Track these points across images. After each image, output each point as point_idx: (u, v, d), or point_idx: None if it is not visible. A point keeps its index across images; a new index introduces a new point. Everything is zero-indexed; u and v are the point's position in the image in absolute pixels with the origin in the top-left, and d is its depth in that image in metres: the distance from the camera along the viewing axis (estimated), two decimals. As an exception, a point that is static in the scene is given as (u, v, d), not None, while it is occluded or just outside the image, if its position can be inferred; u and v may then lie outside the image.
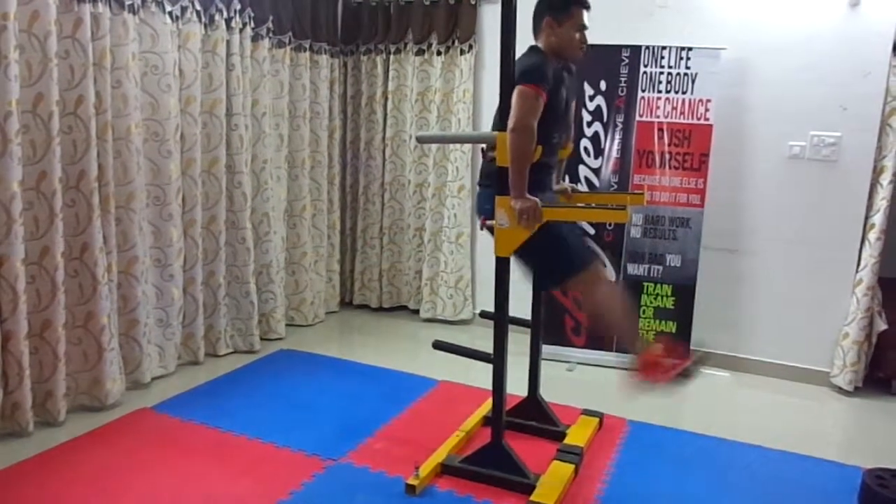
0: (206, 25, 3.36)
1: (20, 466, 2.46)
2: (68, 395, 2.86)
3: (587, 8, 2.41)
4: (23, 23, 2.54)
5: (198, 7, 3.28)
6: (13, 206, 2.52)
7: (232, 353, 3.73)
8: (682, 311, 3.65)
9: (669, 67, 3.54)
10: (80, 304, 2.87)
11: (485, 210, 2.45)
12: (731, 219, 3.69)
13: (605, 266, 3.54)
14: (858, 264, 3.44)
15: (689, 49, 3.50)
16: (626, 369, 2.53)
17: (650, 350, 2.45)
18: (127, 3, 2.91)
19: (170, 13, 3.14)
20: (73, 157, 2.78)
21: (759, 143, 3.60)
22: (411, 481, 2.36)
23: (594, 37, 2.51)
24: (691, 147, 3.56)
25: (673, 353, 2.46)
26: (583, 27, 2.40)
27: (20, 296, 2.57)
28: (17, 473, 2.41)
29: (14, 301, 2.56)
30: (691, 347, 3.60)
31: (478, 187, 2.66)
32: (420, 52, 4.25)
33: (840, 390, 3.49)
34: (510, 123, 2.21)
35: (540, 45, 2.43)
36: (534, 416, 2.85)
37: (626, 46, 3.58)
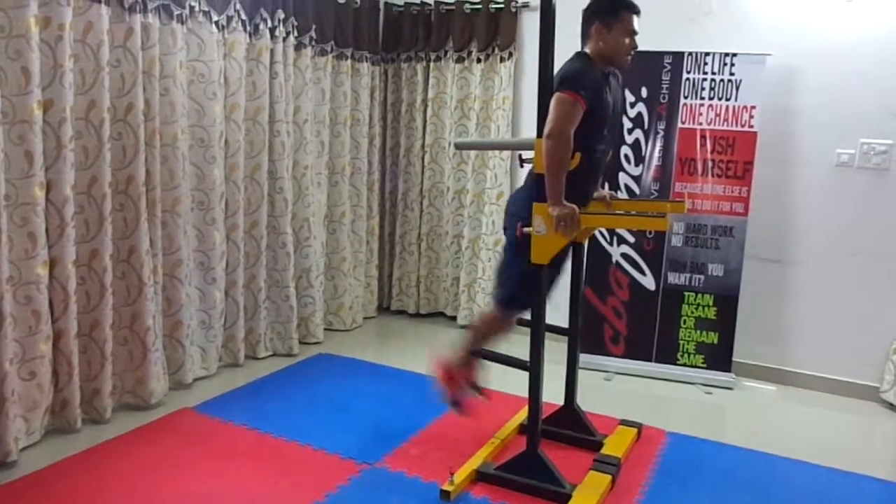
0: (250, 34, 3.44)
1: (69, 461, 2.54)
2: (114, 394, 2.94)
3: (637, 13, 2.37)
4: (77, 33, 2.64)
5: (243, 17, 3.35)
6: (66, 210, 2.61)
7: (271, 355, 3.79)
8: (725, 322, 3.58)
9: (713, 74, 3.49)
10: (127, 306, 2.95)
11: (521, 217, 2.42)
12: (776, 228, 3.61)
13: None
14: (910, 276, 3.33)
15: (734, 55, 3.45)
16: (442, 359, 2.69)
17: (459, 371, 2.64)
18: (175, 13, 3.00)
19: (216, 23, 3.22)
20: (122, 163, 2.87)
21: (805, 151, 3.52)
22: (446, 487, 2.36)
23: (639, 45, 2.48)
24: (735, 155, 3.50)
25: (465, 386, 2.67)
26: (633, 32, 2.37)
27: (71, 296, 2.66)
28: (67, 468, 2.49)
29: (65, 301, 2.65)
30: (728, 371, 3.54)
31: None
32: (460, 60, 4.27)
33: (890, 406, 3.37)
34: (546, 130, 2.20)
35: (588, 51, 2.40)
36: (570, 425, 2.83)
37: (669, 53, 3.54)
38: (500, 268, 2.62)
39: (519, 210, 2.43)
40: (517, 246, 2.41)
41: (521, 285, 2.43)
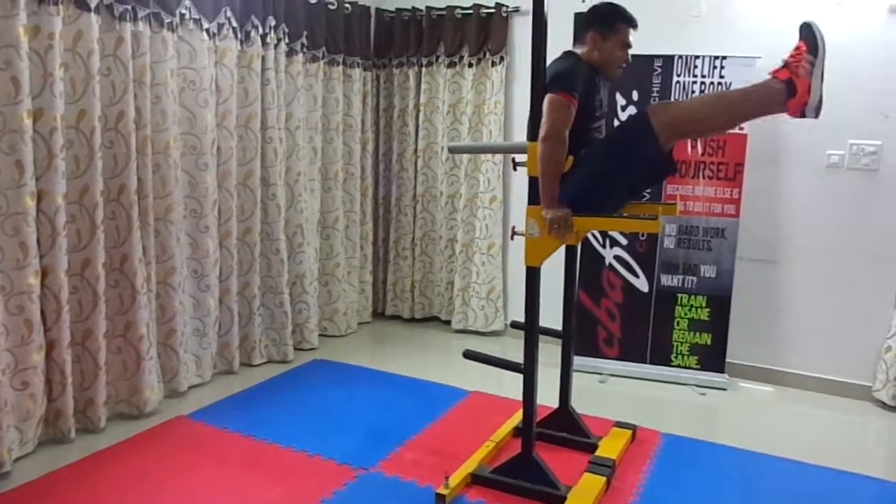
0: (241, 42, 3.44)
1: (63, 471, 2.53)
2: (108, 403, 2.93)
3: (634, 26, 2.37)
4: (67, 42, 2.64)
5: (234, 24, 3.36)
6: (57, 219, 2.60)
7: (266, 362, 3.78)
8: (718, 323, 3.59)
9: (703, 76, 3.51)
10: (120, 314, 2.94)
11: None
12: (767, 229, 3.62)
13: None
14: (901, 275, 3.35)
15: (723, 58, 3.47)
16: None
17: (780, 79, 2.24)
18: (166, 21, 3.00)
19: (207, 30, 3.22)
20: (113, 171, 2.87)
21: (796, 153, 3.54)
22: (441, 491, 2.36)
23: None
24: (726, 157, 3.51)
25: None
26: (627, 45, 2.37)
27: (63, 306, 2.65)
28: (61, 478, 2.48)
29: (58, 311, 2.64)
30: (722, 372, 3.54)
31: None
32: (452, 65, 4.28)
33: (883, 405, 3.39)
34: (541, 132, 2.20)
35: (578, 52, 2.39)
36: (565, 427, 2.83)
37: (659, 56, 3.55)
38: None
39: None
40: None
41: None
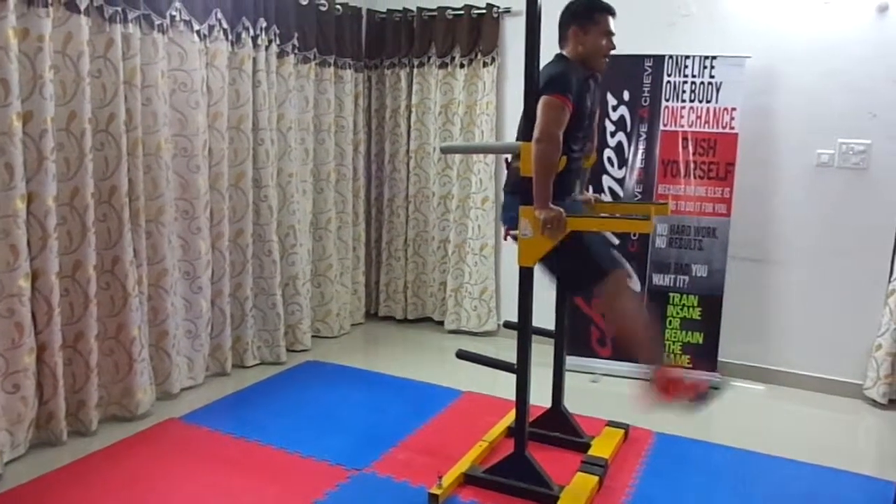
0: (232, 43, 3.44)
1: (55, 474, 2.52)
2: (100, 406, 2.92)
3: (612, 14, 2.40)
4: (57, 44, 2.63)
5: (225, 26, 3.35)
6: (48, 221, 2.60)
7: (259, 364, 3.78)
8: (710, 322, 3.61)
9: (693, 76, 3.52)
10: (112, 316, 2.94)
11: (509, 219, 2.45)
12: (758, 228, 3.64)
13: (630, 277, 3.51)
14: (891, 274, 3.37)
15: (714, 58, 3.48)
16: (645, 380, 2.49)
17: (671, 369, 2.43)
18: (156, 23, 2.99)
19: (198, 32, 3.22)
20: (104, 173, 2.86)
21: (786, 152, 3.56)
22: (434, 491, 2.37)
23: (617, 46, 2.50)
24: (717, 156, 3.53)
25: (695, 372, 2.43)
26: (609, 33, 2.40)
27: (54, 308, 2.65)
28: (53, 481, 2.48)
29: (49, 313, 2.63)
30: (714, 371, 3.55)
31: (503, 195, 2.65)
32: (443, 66, 4.29)
33: (874, 403, 3.41)
34: (535, 134, 2.22)
35: (566, 54, 2.43)
36: (557, 427, 2.84)
37: (649, 56, 3.57)
38: (556, 271, 2.50)
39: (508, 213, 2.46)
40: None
41: (580, 262, 2.39)
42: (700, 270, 3.61)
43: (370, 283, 4.78)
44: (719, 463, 2.77)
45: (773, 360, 3.69)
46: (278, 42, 3.70)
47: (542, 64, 2.29)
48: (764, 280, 3.67)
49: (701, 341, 3.63)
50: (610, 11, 2.40)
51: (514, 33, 4.09)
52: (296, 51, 3.84)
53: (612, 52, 2.45)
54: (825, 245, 3.52)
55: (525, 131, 2.29)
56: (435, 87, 4.32)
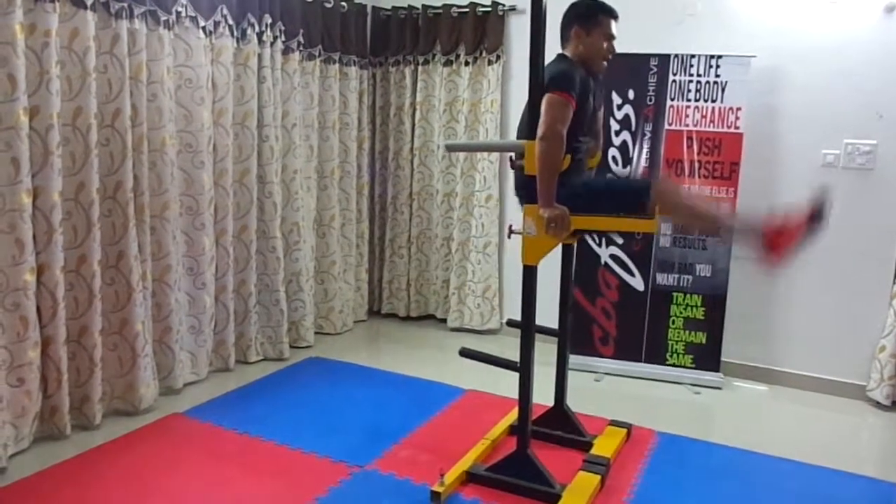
0: (238, 39, 3.44)
1: (59, 468, 2.53)
2: (104, 400, 2.93)
3: (615, 17, 2.42)
4: (63, 39, 2.64)
5: (230, 22, 3.35)
6: (53, 216, 2.60)
7: (262, 360, 3.79)
8: (713, 322, 3.61)
9: (699, 76, 3.52)
10: (116, 311, 2.94)
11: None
12: (762, 228, 3.63)
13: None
14: (896, 275, 3.37)
15: (719, 57, 3.48)
16: (757, 251, 2.29)
17: (767, 227, 2.25)
18: (162, 18, 3.00)
19: (203, 28, 3.22)
20: (109, 168, 2.87)
21: (791, 152, 3.55)
22: (436, 489, 2.37)
23: (623, 45, 2.52)
24: (721, 156, 3.52)
25: (789, 216, 2.27)
26: (611, 37, 2.41)
27: (59, 302, 2.65)
28: (56, 475, 2.49)
29: (54, 308, 2.64)
30: (717, 371, 3.55)
31: (516, 197, 2.61)
32: (448, 63, 4.28)
33: (877, 404, 3.40)
34: (539, 131, 2.22)
35: (567, 53, 2.45)
36: (560, 425, 2.84)
37: (655, 55, 3.56)
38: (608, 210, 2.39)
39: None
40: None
41: (618, 194, 2.42)
42: (704, 270, 3.61)
43: (373, 280, 4.79)
44: (721, 463, 2.77)
45: (777, 361, 3.68)
46: (283, 39, 3.70)
47: (546, 63, 2.30)
48: (768, 280, 3.66)
49: (704, 341, 3.63)
50: (613, 14, 2.41)
51: (518, 31, 4.09)
52: (301, 48, 3.84)
53: (616, 52, 2.46)
54: (830, 246, 3.50)
55: (528, 130, 2.29)
56: (439, 84, 4.32)
